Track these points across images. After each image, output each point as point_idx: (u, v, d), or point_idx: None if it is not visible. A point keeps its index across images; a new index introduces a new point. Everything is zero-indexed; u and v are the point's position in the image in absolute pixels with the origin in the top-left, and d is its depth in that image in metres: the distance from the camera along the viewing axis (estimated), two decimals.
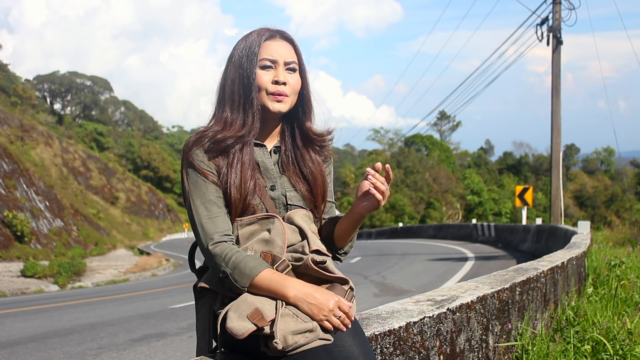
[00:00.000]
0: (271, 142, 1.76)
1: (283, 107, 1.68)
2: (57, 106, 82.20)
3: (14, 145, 41.20)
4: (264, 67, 1.66)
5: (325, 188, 1.78)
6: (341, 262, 1.84)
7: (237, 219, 1.65)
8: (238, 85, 1.66)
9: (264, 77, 1.66)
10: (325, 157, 1.81)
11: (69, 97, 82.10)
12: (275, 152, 1.75)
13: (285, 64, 1.68)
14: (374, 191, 1.62)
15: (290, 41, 1.71)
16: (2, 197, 27.92)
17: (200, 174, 1.63)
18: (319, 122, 1.80)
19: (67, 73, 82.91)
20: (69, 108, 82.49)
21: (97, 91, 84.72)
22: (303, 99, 1.73)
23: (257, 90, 1.66)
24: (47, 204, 33.89)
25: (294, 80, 1.69)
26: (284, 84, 1.67)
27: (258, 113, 1.66)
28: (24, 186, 31.62)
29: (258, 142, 1.72)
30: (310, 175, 1.75)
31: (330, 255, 1.68)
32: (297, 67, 1.70)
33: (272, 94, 1.66)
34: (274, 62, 1.67)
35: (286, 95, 1.67)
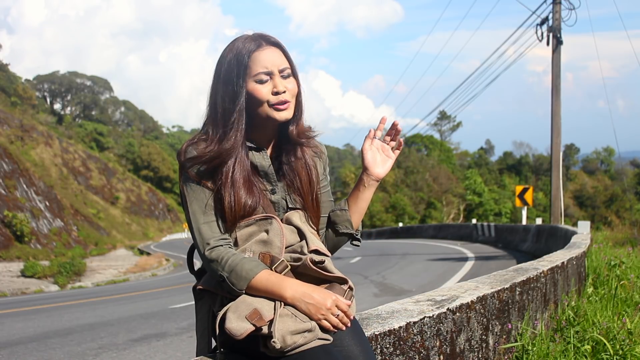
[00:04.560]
0: (270, 146, 1.75)
1: (288, 113, 1.67)
2: (57, 106, 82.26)
3: (14, 145, 41.21)
4: (260, 82, 1.64)
5: (312, 182, 1.77)
6: (360, 244, 1.85)
7: None
8: (229, 102, 1.64)
9: (263, 91, 1.64)
10: (313, 152, 1.80)
11: (69, 97, 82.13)
12: (274, 157, 1.75)
13: (280, 72, 1.66)
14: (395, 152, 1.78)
15: (278, 45, 1.68)
16: (2, 197, 27.93)
17: (197, 181, 1.63)
18: (317, 121, 1.80)
19: (67, 73, 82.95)
20: (69, 108, 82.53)
21: (97, 91, 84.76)
22: (299, 100, 1.72)
23: (258, 105, 1.64)
24: (47, 204, 33.90)
25: (291, 85, 1.67)
26: (284, 92, 1.65)
27: (242, 130, 1.64)
28: (24, 186, 31.62)
29: (257, 147, 1.72)
30: (300, 177, 1.75)
31: (330, 255, 1.68)
32: (290, 71, 1.68)
33: (274, 104, 1.65)
34: (269, 73, 1.64)
35: (288, 102, 1.67)
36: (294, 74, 1.69)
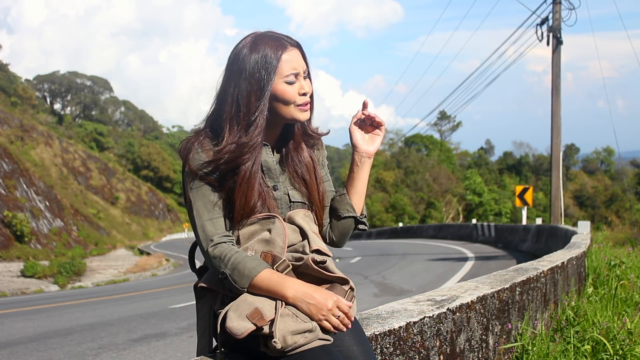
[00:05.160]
0: (274, 142, 1.77)
1: (309, 114, 1.72)
2: (57, 106, 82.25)
3: (14, 145, 41.21)
4: (289, 83, 1.66)
5: (317, 174, 1.79)
6: (367, 228, 1.84)
7: None
8: (255, 101, 1.63)
9: (291, 92, 1.66)
10: (314, 145, 1.83)
11: (69, 97, 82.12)
12: (277, 152, 1.76)
13: (304, 72, 1.69)
14: (379, 119, 1.77)
15: (299, 47, 1.71)
16: (2, 197, 27.92)
17: (203, 178, 1.63)
18: (317, 121, 1.83)
19: (67, 73, 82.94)
20: (69, 108, 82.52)
21: (97, 91, 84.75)
22: (313, 100, 1.75)
23: (284, 105, 1.67)
24: (47, 204, 33.89)
25: (310, 86, 1.71)
26: (308, 92, 1.69)
27: (264, 129, 1.66)
28: (24, 186, 31.62)
29: (264, 143, 1.73)
30: (306, 168, 1.77)
31: (331, 255, 1.68)
32: (307, 72, 1.71)
33: (300, 105, 1.68)
34: (296, 75, 1.67)
35: (309, 102, 1.70)
36: (309, 75, 1.73)
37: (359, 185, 1.80)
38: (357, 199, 1.80)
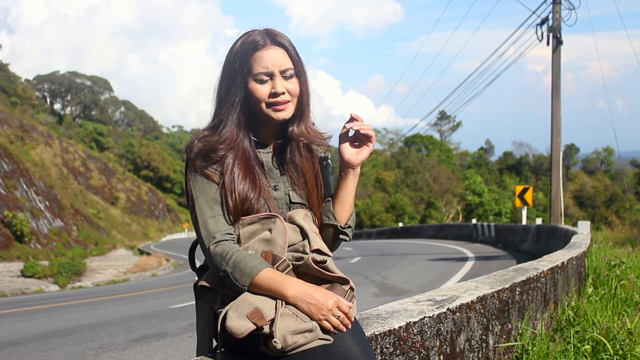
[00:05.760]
0: (272, 141, 1.77)
1: (286, 114, 1.68)
2: (57, 106, 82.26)
3: (14, 145, 41.21)
4: (260, 81, 1.65)
5: (317, 178, 1.79)
6: (349, 239, 1.80)
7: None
8: (230, 96, 1.67)
9: (262, 90, 1.65)
10: (319, 154, 1.82)
11: (69, 97, 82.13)
12: (277, 153, 1.76)
13: (281, 72, 1.66)
14: (365, 130, 1.70)
15: (282, 45, 1.68)
16: (2, 197, 27.92)
17: (203, 174, 1.64)
18: (317, 121, 1.80)
19: (67, 73, 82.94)
20: (69, 108, 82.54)
21: (97, 91, 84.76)
22: (301, 100, 1.72)
23: (256, 104, 1.67)
24: (47, 204, 33.89)
25: (292, 85, 1.68)
26: (283, 93, 1.66)
27: (245, 124, 1.68)
28: (24, 186, 31.62)
29: (262, 142, 1.74)
30: (305, 173, 1.77)
31: (332, 255, 1.68)
32: (293, 72, 1.68)
33: (272, 105, 1.66)
34: (269, 74, 1.65)
35: (287, 102, 1.68)
36: (297, 75, 1.70)
37: (342, 195, 1.76)
38: (340, 209, 1.77)
